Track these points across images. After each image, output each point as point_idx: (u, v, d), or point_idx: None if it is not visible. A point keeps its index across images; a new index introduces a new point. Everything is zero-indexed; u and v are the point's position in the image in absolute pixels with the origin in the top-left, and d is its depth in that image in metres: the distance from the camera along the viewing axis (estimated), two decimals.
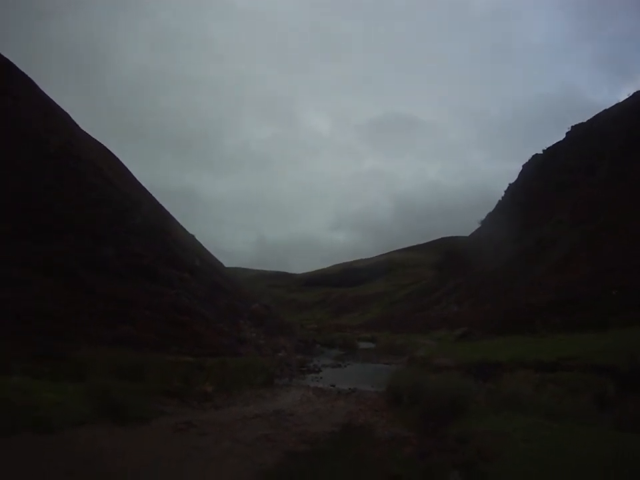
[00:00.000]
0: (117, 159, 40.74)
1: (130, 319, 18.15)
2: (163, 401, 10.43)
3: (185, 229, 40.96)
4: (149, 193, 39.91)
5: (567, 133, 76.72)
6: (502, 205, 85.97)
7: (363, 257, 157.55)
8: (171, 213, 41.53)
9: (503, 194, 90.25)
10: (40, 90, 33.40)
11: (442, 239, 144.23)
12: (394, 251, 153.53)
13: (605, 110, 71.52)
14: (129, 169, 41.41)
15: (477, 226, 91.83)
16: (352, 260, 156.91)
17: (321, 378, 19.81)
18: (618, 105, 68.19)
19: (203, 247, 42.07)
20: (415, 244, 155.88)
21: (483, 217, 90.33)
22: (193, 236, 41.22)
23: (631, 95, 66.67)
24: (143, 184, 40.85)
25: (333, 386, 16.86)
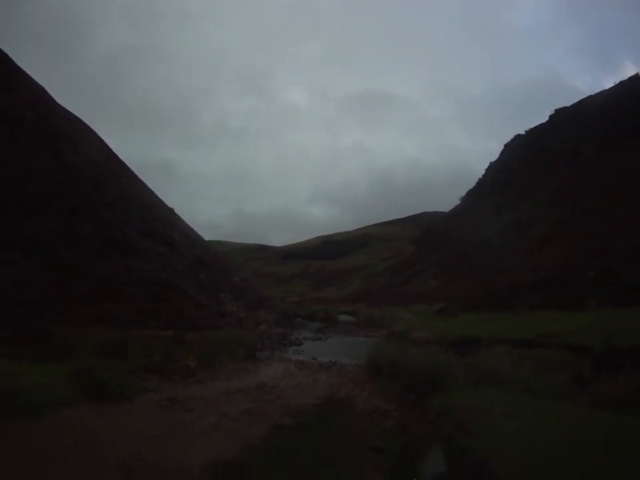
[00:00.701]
0: (94, 133, 39.51)
1: (110, 296, 17.94)
2: (146, 377, 10.42)
3: (163, 203, 40.29)
4: (127, 167, 38.98)
5: (551, 116, 77.19)
6: (482, 183, 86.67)
7: (341, 231, 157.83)
8: (150, 187, 40.73)
9: (482, 172, 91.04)
10: (14, 63, 31.99)
11: (421, 213, 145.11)
12: (373, 225, 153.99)
13: (590, 96, 72.13)
14: (106, 142, 40.31)
15: (456, 203, 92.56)
16: (331, 233, 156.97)
17: (302, 351, 20.04)
18: (603, 92, 68.76)
19: (183, 220, 41.52)
20: (393, 218, 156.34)
21: (462, 194, 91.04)
22: (171, 209, 40.58)
23: (617, 83, 67.20)
24: (121, 158, 39.86)
25: (315, 359, 17.09)
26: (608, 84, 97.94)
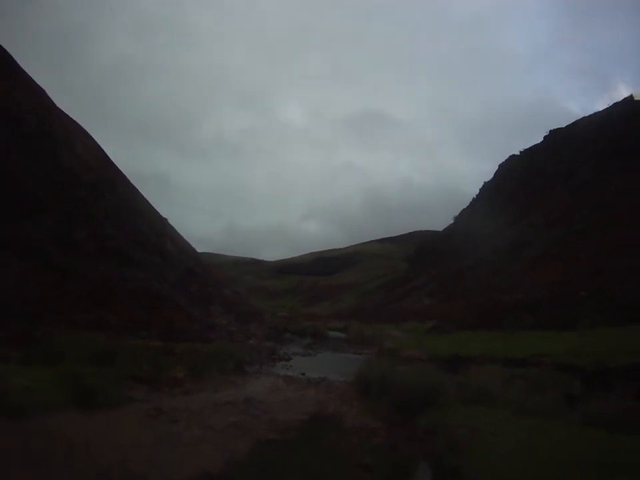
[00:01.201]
0: (92, 138, 39.49)
1: (102, 303, 17.78)
2: (133, 386, 10.31)
3: (157, 213, 40.19)
4: (124, 175, 38.93)
5: (545, 137, 78.13)
6: (476, 203, 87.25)
7: (333, 247, 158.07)
8: (144, 196, 40.64)
9: (474, 192, 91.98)
10: (15, 64, 32.00)
11: (415, 232, 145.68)
12: (367, 242, 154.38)
13: (584, 117, 73.22)
14: (104, 149, 40.30)
15: (449, 222, 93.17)
16: (324, 249, 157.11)
17: (291, 366, 19.88)
18: (598, 113, 69.76)
19: (176, 231, 41.39)
20: (387, 236, 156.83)
21: (455, 214, 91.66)
22: (165, 220, 40.48)
23: (611, 104, 68.27)
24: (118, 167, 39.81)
25: (303, 374, 16.95)
26: (600, 106, 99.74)
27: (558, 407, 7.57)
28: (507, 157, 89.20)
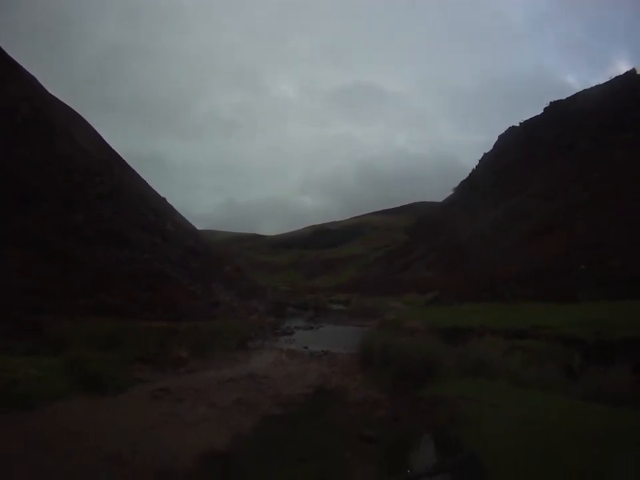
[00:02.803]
0: (87, 123, 39.07)
1: (104, 287, 17.84)
2: (139, 368, 10.44)
3: (156, 193, 39.99)
4: (120, 157, 38.61)
5: (546, 109, 77.08)
6: (475, 174, 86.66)
7: (331, 220, 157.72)
8: (142, 178, 40.33)
9: (470, 163, 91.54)
10: (6, 54, 31.35)
11: (415, 203, 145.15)
12: (366, 214, 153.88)
13: (585, 90, 72.20)
14: (99, 133, 39.85)
15: (446, 193, 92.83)
16: (323, 222, 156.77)
17: (294, 340, 20.05)
18: (599, 86, 68.79)
19: (175, 210, 41.26)
20: (386, 208, 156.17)
21: (452, 184, 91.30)
22: (164, 199, 40.31)
23: (613, 77, 67.32)
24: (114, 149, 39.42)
25: (306, 348, 17.09)
26: (597, 81, 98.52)
27: (557, 379, 7.66)
28: (503, 128, 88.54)
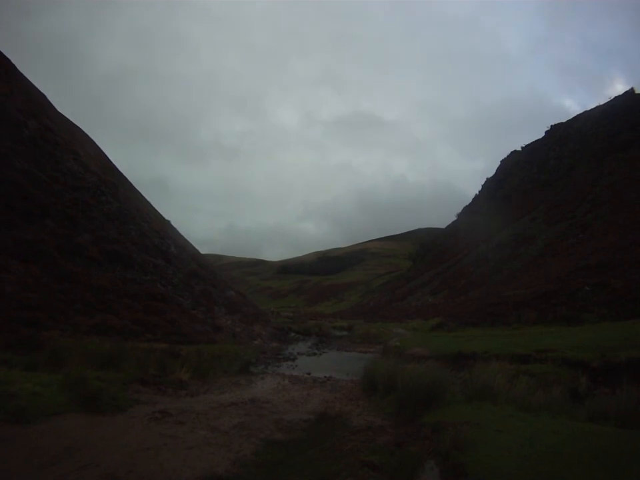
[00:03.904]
0: (94, 143, 39.71)
1: (107, 307, 17.87)
2: (139, 389, 10.32)
3: (160, 215, 40.31)
4: (125, 178, 39.07)
5: (547, 132, 78.14)
6: (478, 199, 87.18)
7: (332, 247, 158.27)
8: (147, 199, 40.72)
9: (468, 189, 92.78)
10: (16, 70, 32.11)
11: (416, 229, 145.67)
12: (368, 241, 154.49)
13: (585, 111, 73.37)
14: (105, 153, 40.42)
15: (444, 219, 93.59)
16: (327, 249, 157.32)
17: (297, 366, 19.87)
18: (599, 107, 69.81)
19: (179, 232, 41.52)
20: (387, 234, 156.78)
21: (450, 210, 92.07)
22: (168, 222, 40.62)
23: (612, 98, 68.34)
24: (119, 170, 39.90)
25: (309, 374, 16.96)
26: (593, 103, 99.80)
27: (563, 402, 7.57)
28: (500, 153, 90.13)
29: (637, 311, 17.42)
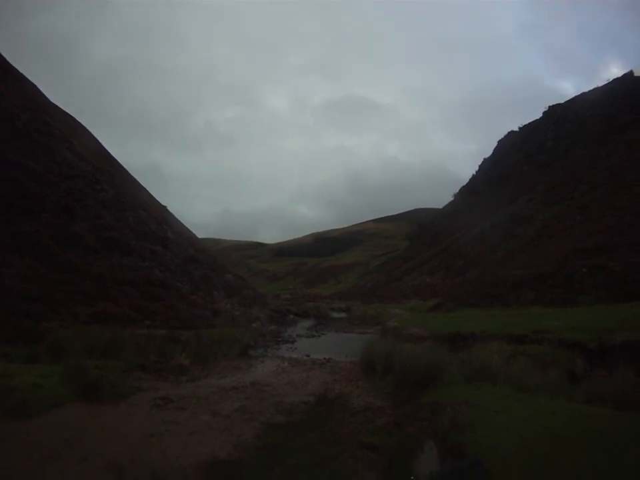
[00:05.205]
0: (88, 132, 39.34)
1: (106, 295, 17.88)
2: (140, 376, 10.37)
3: (156, 201, 40.13)
4: (121, 166, 38.81)
5: (544, 113, 77.62)
6: (475, 180, 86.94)
7: (327, 228, 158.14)
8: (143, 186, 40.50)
9: (461, 172, 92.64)
10: (8, 63, 31.61)
11: (413, 210, 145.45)
12: (364, 222, 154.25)
13: (583, 93, 72.79)
14: (100, 142, 40.06)
15: (439, 200, 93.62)
16: (323, 230, 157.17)
17: (296, 348, 19.99)
18: (597, 89, 69.26)
19: (176, 218, 41.38)
20: (384, 215, 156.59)
21: (446, 191, 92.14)
22: (165, 208, 40.45)
23: (610, 80, 67.75)
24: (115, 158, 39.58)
25: (308, 356, 17.06)
26: (588, 86, 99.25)
27: (560, 384, 7.64)
28: (493, 135, 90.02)
29: (635, 293, 17.47)
